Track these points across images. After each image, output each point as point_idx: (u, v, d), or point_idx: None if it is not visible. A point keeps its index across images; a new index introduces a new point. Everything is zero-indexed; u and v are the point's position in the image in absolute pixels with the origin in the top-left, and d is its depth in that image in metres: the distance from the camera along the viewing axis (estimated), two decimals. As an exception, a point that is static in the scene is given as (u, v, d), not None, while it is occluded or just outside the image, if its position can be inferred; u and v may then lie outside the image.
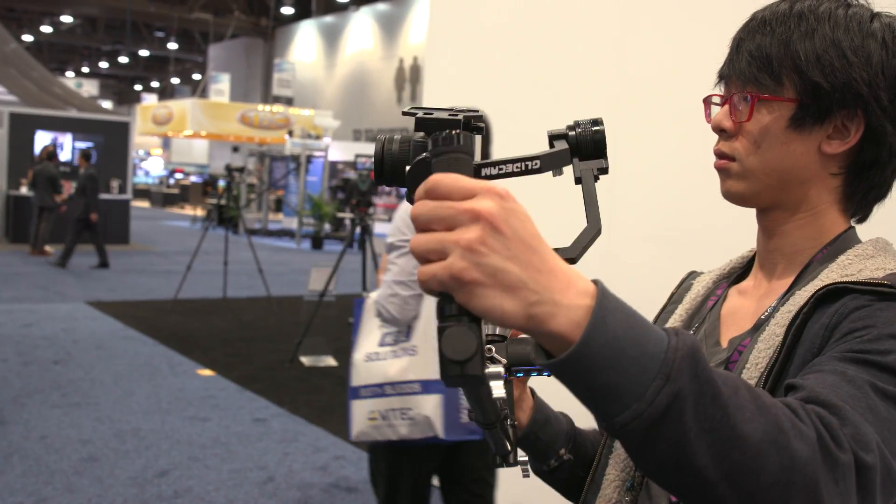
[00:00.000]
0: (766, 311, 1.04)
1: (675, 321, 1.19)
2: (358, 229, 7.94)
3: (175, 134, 29.83)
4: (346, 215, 19.00)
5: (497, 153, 2.89)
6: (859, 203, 1.06)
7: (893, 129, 0.99)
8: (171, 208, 32.55)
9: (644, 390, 0.64)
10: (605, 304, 0.65)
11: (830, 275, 0.98)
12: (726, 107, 1.06)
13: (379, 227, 17.23)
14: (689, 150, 3.09)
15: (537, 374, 0.99)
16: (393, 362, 2.71)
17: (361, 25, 31.50)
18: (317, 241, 18.95)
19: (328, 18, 33.84)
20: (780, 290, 1.06)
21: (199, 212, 25.77)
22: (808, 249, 1.05)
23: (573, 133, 0.83)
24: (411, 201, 0.74)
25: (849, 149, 1.01)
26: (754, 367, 0.96)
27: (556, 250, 0.74)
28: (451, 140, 0.65)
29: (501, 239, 0.62)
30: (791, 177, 1.02)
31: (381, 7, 30.59)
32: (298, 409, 5.98)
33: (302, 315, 8.62)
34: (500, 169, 0.77)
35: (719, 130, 1.06)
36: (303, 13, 35.14)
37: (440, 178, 0.63)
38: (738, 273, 1.19)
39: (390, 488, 2.87)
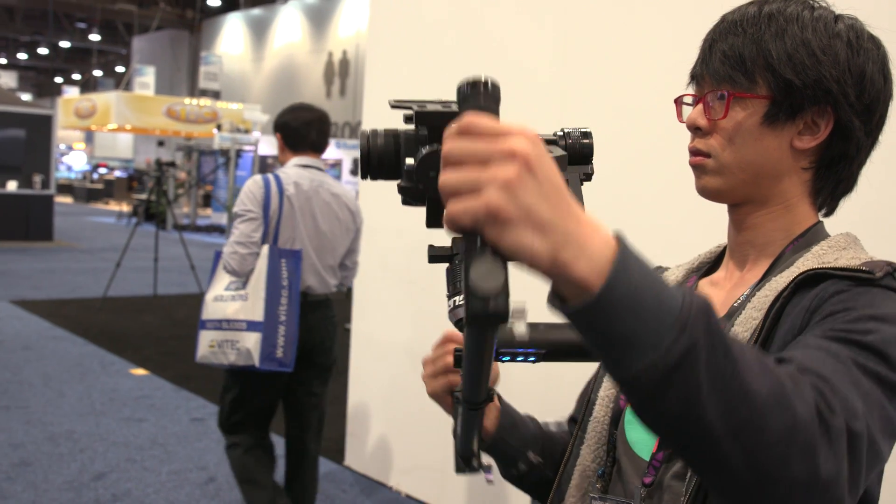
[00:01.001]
0: (739, 299, 1.07)
1: None
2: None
3: (99, 128, 28.97)
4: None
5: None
6: (827, 197, 1.10)
7: (860, 125, 1.04)
8: (95, 204, 31.67)
9: (660, 340, 0.66)
10: (627, 254, 0.66)
11: (807, 262, 1.02)
12: (700, 105, 1.08)
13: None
14: (640, 142, 3.14)
15: (523, 360, 0.99)
16: (231, 304, 3.36)
17: (290, 18, 31.12)
18: (248, 237, 18.67)
19: (256, 11, 33.34)
20: (751, 281, 1.09)
21: (125, 207, 25.12)
22: (780, 241, 1.09)
23: (562, 141, 0.84)
24: (415, 193, 0.73)
25: (819, 144, 1.05)
26: None
27: None
28: (479, 86, 0.64)
29: (535, 180, 0.62)
30: (765, 171, 1.06)
31: (309, 0, 30.28)
32: (237, 408, 5.88)
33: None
34: None
35: (694, 128, 1.09)
36: (230, 5, 34.55)
37: (475, 118, 0.63)
38: (707, 267, 1.22)
39: (234, 406, 3.56)
